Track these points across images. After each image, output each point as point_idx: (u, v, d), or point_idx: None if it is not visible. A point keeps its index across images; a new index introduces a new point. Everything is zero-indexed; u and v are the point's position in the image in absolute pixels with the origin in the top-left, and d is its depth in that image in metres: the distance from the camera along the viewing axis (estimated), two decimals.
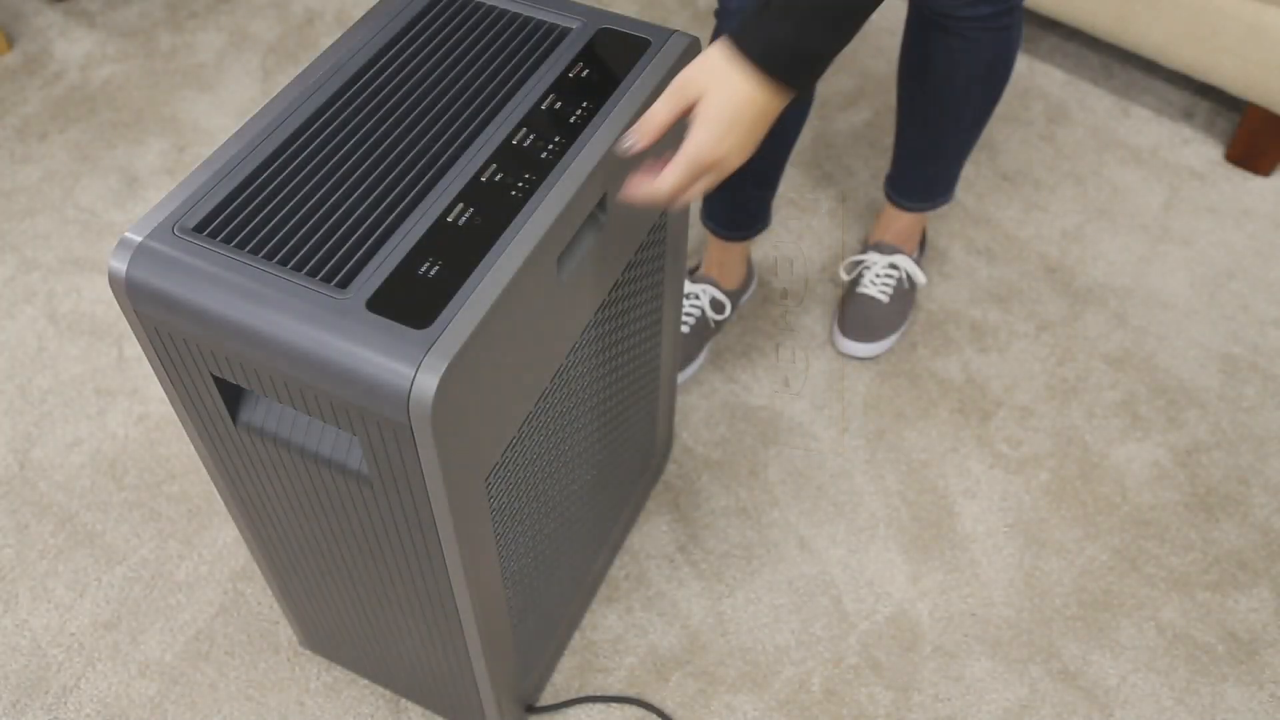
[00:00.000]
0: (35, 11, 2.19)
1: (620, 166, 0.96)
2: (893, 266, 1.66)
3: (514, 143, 0.89)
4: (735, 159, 0.85)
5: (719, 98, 0.83)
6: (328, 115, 0.91)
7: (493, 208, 0.84)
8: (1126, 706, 1.32)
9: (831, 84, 2.07)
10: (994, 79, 1.41)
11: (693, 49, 0.99)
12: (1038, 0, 1.92)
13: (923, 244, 1.75)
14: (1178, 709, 1.31)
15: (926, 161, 1.55)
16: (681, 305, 1.29)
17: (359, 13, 2.22)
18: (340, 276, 0.79)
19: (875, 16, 2.21)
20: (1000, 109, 2.01)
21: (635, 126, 0.86)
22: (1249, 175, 1.91)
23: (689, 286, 1.61)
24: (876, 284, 1.64)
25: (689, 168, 0.84)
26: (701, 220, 1.59)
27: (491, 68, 0.96)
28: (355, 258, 0.81)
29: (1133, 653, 1.36)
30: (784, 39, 0.82)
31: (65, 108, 2.01)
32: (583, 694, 1.32)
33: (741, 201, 1.51)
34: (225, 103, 2.03)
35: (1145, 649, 1.36)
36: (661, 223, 1.12)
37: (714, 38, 1.33)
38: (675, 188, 0.85)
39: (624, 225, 1.02)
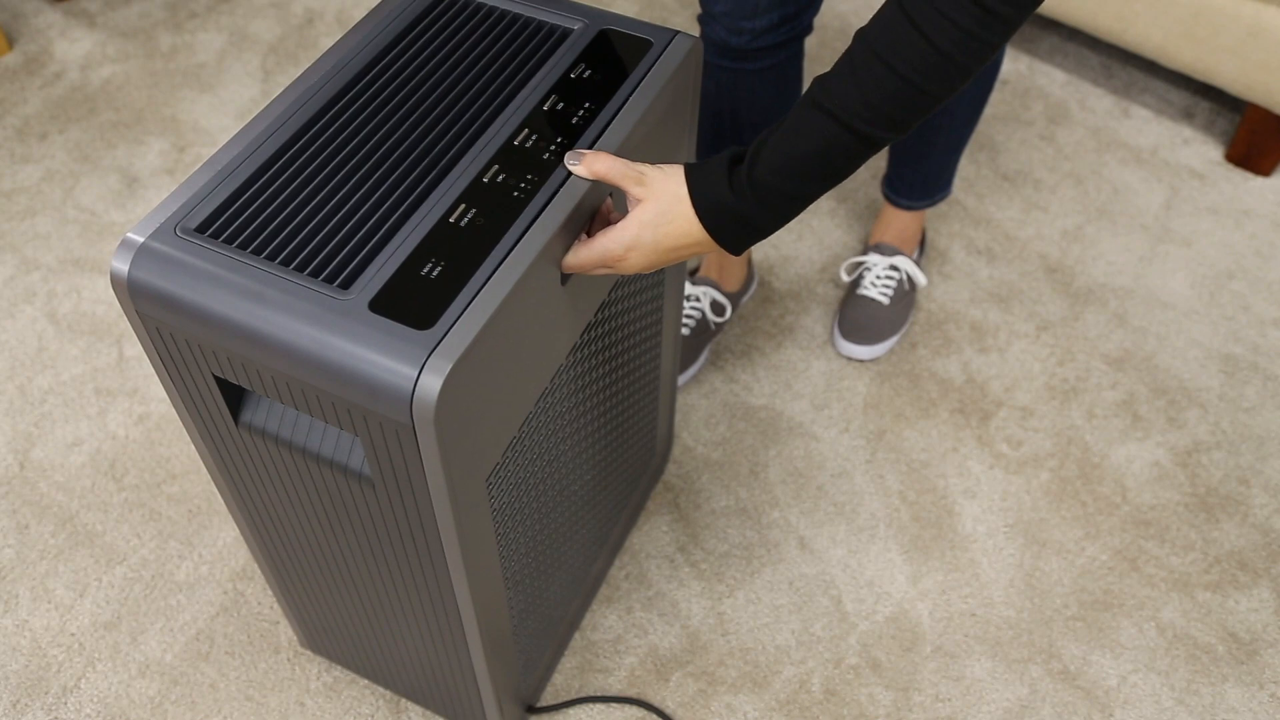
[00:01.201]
0: (35, 11, 2.19)
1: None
2: (893, 268, 1.66)
3: (516, 143, 0.89)
4: (634, 270, 0.89)
5: (654, 216, 0.86)
6: (329, 116, 0.91)
7: (495, 209, 0.84)
8: (1126, 706, 1.32)
9: None
10: (985, 72, 1.41)
11: (696, 50, 0.99)
12: None
13: (922, 244, 1.75)
14: (1178, 709, 1.31)
15: (922, 158, 1.55)
16: (682, 306, 1.29)
17: (359, 13, 2.22)
18: (343, 277, 0.79)
19: None
20: (1000, 109, 2.01)
21: (587, 155, 0.87)
22: (1249, 175, 1.91)
23: (689, 289, 1.61)
24: (877, 286, 1.64)
25: (596, 259, 0.88)
26: None
27: (493, 68, 0.96)
28: (357, 258, 0.81)
29: (1133, 653, 1.36)
30: (733, 209, 0.84)
31: (65, 108, 2.01)
32: (583, 694, 1.32)
33: None
34: (225, 103, 2.02)
35: (1145, 649, 1.36)
36: None
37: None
38: (576, 267, 0.89)
39: None
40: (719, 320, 1.62)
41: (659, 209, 0.86)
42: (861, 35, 0.79)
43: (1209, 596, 1.41)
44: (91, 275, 1.74)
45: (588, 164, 0.87)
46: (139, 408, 1.57)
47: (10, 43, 2.12)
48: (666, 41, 0.98)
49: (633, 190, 0.87)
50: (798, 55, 1.35)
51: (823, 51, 2.13)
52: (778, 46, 1.30)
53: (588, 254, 0.87)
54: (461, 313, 0.77)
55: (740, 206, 0.84)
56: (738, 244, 0.87)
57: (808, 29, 1.31)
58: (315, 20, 2.19)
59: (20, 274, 1.74)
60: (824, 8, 2.24)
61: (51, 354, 1.64)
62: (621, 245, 0.86)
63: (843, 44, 2.15)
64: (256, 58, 2.11)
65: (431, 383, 0.74)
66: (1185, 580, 1.42)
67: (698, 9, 2.23)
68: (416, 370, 0.74)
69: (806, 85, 2.07)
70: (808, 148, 0.81)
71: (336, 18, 2.20)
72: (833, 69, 0.81)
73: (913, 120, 0.80)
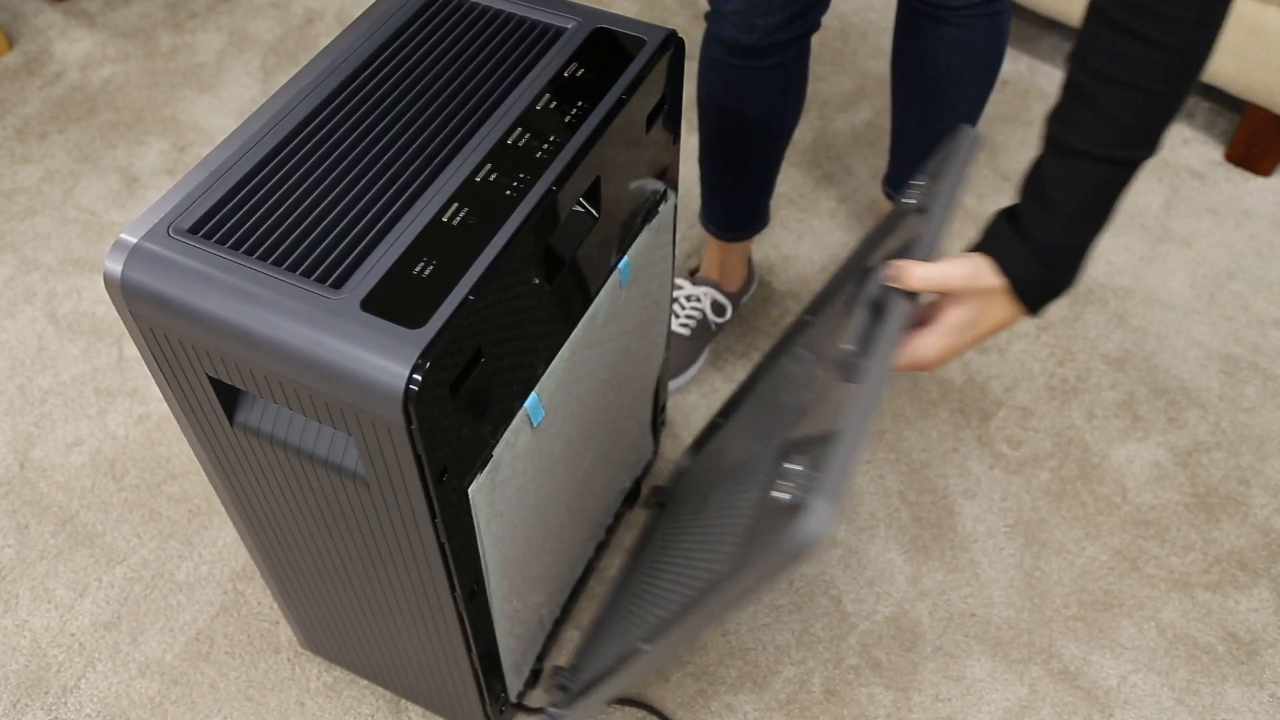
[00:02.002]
0: (35, 11, 2.20)
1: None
2: None
3: (509, 142, 0.89)
4: (940, 366, 0.87)
5: (971, 317, 0.85)
6: (323, 116, 0.91)
7: (488, 208, 0.84)
8: (1126, 706, 1.31)
9: (831, 84, 2.07)
10: (989, 65, 1.41)
11: (684, 47, 0.99)
12: (1037, 0, 1.92)
13: None
14: (1178, 709, 1.31)
15: (925, 155, 1.55)
16: (671, 302, 1.28)
17: (359, 12, 2.22)
18: (335, 277, 0.79)
19: (875, 16, 2.21)
20: (1000, 109, 2.01)
21: (902, 269, 0.84)
22: (1249, 175, 1.90)
23: (690, 289, 1.61)
24: None
25: (906, 366, 0.87)
26: (701, 222, 1.59)
27: (487, 68, 0.96)
28: (350, 258, 0.81)
29: (1133, 653, 1.36)
30: (1048, 282, 0.83)
31: (65, 108, 2.01)
32: None
33: (740, 202, 1.51)
34: (225, 103, 2.03)
35: (1145, 649, 1.36)
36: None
37: (705, 40, 1.33)
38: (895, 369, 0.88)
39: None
40: (719, 320, 1.62)
41: (975, 310, 0.84)
42: (1081, 64, 0.76)
43: (1209, 596, 1.40)
44: (91, 275, 1.74)
45: (903, 276, 0.84)
46: (139, 408, 1.57)
47: (10, 43, 2.12)
48: (658, 40, 0.98)
49: (950, 289, 0.85)
50: (805, 52, 1.35)
51: (824, 51, 2.13)
52: (787, 43, 1.30)
53: (900, 365, 0.86)
54: (453, 311, 0.77)
55: (1051, 277, 0.83)
56: (1045, 308, 0.86)
57: (816, 25, 1.31)
58: (315, 20, 2.19)
59: (20, 274, 1.74)
60: None
61: (51, 354, 1.64)
62: (939, 351, 0.86)
63: (843, 44, 2.15)
64: (256, 58, 2.12)
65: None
66: (1185, 580, 1.42)
67: (698, 8, 2.23)
68: (408, 369, 0.74)
69: (811, 83, 2.06)
70: (1082, 196, 0.79)
71: (336, 17, 2.20)
72: (1061, 109, 0.79)
73: (1165, 129, 0.78)
